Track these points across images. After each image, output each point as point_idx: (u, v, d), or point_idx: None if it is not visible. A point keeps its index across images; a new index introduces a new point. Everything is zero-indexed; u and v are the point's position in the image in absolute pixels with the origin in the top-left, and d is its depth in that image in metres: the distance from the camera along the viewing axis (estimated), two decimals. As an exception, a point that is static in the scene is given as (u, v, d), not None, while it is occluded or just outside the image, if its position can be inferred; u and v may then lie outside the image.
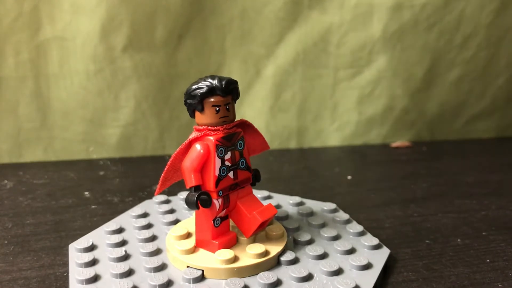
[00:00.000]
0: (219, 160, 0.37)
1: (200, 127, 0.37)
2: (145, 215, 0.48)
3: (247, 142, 0.40)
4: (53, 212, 0.53)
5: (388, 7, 0.74)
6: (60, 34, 0.67)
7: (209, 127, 0.37)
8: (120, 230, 0.45)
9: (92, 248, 0.41)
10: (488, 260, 0.43)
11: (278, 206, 0.50)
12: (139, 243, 0.42)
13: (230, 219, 0.41)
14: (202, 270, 0.37)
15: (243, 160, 0.39)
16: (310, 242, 0.42)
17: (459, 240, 0.47)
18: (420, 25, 0.76)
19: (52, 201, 0.57)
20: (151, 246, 0.40)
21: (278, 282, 0.36)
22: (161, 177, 0.39)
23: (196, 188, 0.37)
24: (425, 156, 0.77)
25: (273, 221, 0.44)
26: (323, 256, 0.40)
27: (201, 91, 0.36)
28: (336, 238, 0.43)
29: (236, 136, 0.39)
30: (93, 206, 0.55)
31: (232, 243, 0.40)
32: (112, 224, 0.45)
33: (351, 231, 0.44)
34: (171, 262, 0.39)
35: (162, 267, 0.38)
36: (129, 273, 0.37)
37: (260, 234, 0.41)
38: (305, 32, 0.75)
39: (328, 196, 0.57)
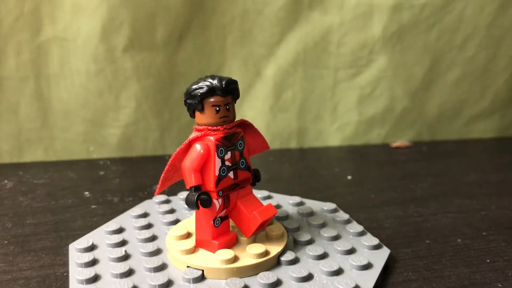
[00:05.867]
0: (219, 160, 0.37)
1: (200, 127, 0.38)
2: (145, 215, 0.48)
3: (247, 142, 0.40)
4: (53, 212, 0.53)
5: (388, 7, 0.74)
6: (61, 34, 0.67)
7: (209, 127, 0.37)
8: (120, 230, 0.45)
9: (92, 248, 0.41)
10: (488, 260, 0.43)
11: (278, 206, 0.50)
12: (139, 243, 0.42)
13: (230, 219, 0.41)
14: (202, 270, 0.37)
15: (243, 160, 0.39)
16: (310, 242, 0.42)
17: (459, 240, 0.47)
18: (420, 25, 0.76)
19: (52, 201, 0.57)
20: (151, 246, 0.41)
21: (278, 282, 0.36)
22: (161, 177, 0.39)
23: (196, 188, 0.37)
24: (425, 156, 0.77)
25: (273, 221, 0.44)
26: (323, 256, 0.40)
27: (201, 91, 0.36)
28: (336, 238, 0.43)
29: (236, 136, 0.39)
30: (93, 206, 0.55)
31: (232, 243, 0.40)
32: (112, 224, 0.45)
33: (351, 231, 0.44)
34: (171, 262, 0.39)
35: (162, 267, 0.38)
36: (129, 273, 0.37)
37: (260, 234, 0.41)
38: (306, 32, 0.75)
39: (328, 196, 0.57)
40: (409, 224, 0.51)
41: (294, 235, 0.43)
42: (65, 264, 0.41)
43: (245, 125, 0.40)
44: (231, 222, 0.41)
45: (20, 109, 0.70)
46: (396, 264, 0.42)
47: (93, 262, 0.39)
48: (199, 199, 0.36)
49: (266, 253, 0.38)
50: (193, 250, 0.39)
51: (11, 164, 0.70)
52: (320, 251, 0.40)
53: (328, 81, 0.78)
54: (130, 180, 0.65)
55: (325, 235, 0.43)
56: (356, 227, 0.45)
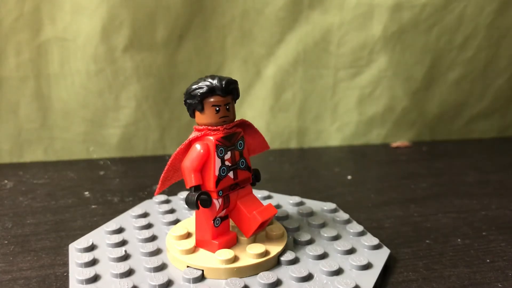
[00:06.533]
0: (219, 160, 0.37)
1: (200, 127, 0.38)
2: (145, 215, 0.48)
3: (247, 142, 0.40)
4: (53, 212, 0.53)
5: (388, 7, 0.74)
6: (61, 34, 0.67)
7: (209, 127, 0.37)
8: (120, 230, 0.45)
9: (92, 248, 0.41)
10: (488, 260, 0.43)
11: (278, 206, 0.50)
12: (139, 243, 0.42)
13: (230, 219, 0.41)
14: (202, 270, 0.37)
15: (243, 160, 0.39)
16: (310, 242, 0.42)
17: (459, 240, 0.47)
18: (420, 25, 0.76)
19: (52, 201, 0.57)
20: (151, 246, 0.41)
21: (278, 282, 0.36)
22: (161, 177, 0.39)
23: (196, 188, 0.37)
24: (425, 156, 0.77)
25: (273, 221, 0.44)
26: (323, 256, 0.40)
27: (201, 91, 0.36)
28: (336, 238, 0.43)
29: (236, 136, 0.39)
30: (93, 206, 0.55)
31: (232, 243, 0.40)
32: (112, 224, 0.45)
33: (351, 231, 0.44)
34: (171, 262, 0.39)
35: (162, 267, 0.38)
36: (129, 273, 0.37)
37: (260, 234, 0.41)
38: (306, 32, 0.75)
39: (328, 196, 0.57)
40: (409, 224, 0.51)
41: (294, 235, 0.43)
42: (65, 264, 0.41)
43: (245, 125, 0.40)
44: (231, 222, 0.41)
45: (20, 109, 0.69)
46: (396, 264, 0.42)
47: (93, 262, 0.39)
48: (199, 199, 0.36)
49: (266, 253, 0.38)
50: (193, 250, 0.39)
51: (11, 164, 0.70)
52: (320, 251, 0.40)
53: (328, 81, 0.78)
54: (130, 180, 0.65)
55: (325, 235, 0.43)
56: (356, 227, 0.45)
